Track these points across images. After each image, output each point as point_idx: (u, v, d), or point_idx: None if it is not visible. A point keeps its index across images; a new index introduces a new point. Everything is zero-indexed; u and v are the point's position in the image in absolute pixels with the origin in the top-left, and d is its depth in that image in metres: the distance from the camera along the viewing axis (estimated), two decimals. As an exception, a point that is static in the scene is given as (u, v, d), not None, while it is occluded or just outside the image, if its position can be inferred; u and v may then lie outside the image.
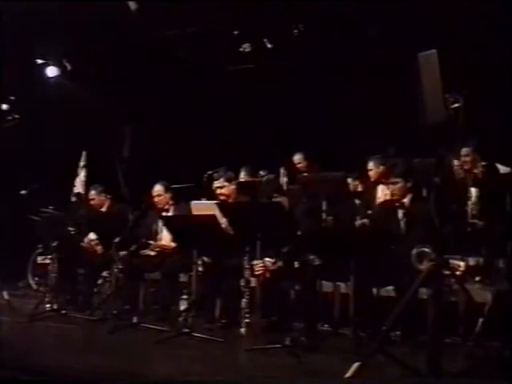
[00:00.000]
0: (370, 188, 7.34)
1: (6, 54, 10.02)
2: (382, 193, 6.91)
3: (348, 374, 4.53)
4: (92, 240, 7.78)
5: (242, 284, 6.29)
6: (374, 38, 8.32)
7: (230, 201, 7.01)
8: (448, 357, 4.68)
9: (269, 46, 8.96)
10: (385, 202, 6.54)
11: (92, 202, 8.18)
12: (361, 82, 8.70)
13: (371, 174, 7.39)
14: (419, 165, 6.35)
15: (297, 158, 8.38)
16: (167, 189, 7.62)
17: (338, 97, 8.86)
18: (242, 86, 9.32)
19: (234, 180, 7.20)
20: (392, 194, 6.22)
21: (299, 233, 5.86)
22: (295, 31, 8.69)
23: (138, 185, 8.03)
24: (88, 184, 8.63)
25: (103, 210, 8.20)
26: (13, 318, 7.12)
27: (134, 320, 6.55)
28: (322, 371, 5.13)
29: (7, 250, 9.45)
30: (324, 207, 6.52)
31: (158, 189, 7.60)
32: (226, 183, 7.06)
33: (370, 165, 7.41)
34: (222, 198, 7.00)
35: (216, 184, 7.09)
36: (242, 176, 7.98)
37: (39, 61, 10.36)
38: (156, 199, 7.55)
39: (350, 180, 7.27)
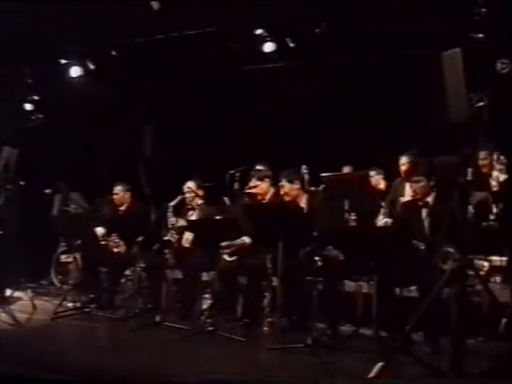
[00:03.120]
0: (396, 186, 7.30)
1: (29, 55, 10.13)
2: (408, 191, 6.86)
3: (371, 374, 4.51)
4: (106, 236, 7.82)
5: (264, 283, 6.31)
6: (398, 37, 8.26)
7: (265, 200, 7.01)
8: (471, 357, 4.64)
9: (291, 45, 8.93)
10: (409, 201, 6.49)
11: (115, 198, 8.19)
12: (384, 80, 8.64)
13: (404, 168, 7.31)
14: (442, 163, 6.28)
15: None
16: (199, 186, 7.63)
17: (361, 96, 8.81)
18: (264, 86, 9.30)
19: (267, 178, 7.16)
20: (415, 193, 6.18)
21: (322, 232, 5.84)
22: (317, 30, 8.65)
23: (160, 184, 8.03)
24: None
25: (123, 208, 8.20)
26: (36, 315, 7.18)
27: (157, 319, 6.59)
28: (343, 371, 5.12)
29: (31, 248, 9.52)
30: (346, 206, 6.50)
31: (190, 185, 7.61)
32: (258, 182, 7.04)
33: (403, 160, 7.32)
34: (254, 197, 7.00)
35: (250, 184, 7.08)
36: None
37: (63, 61, 10.41)
38: (187, 195, 7.56)
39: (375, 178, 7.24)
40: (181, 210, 7.56)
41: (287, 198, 6.61)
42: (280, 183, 6.73)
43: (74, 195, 9.94)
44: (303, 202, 6.58)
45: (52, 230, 8.55)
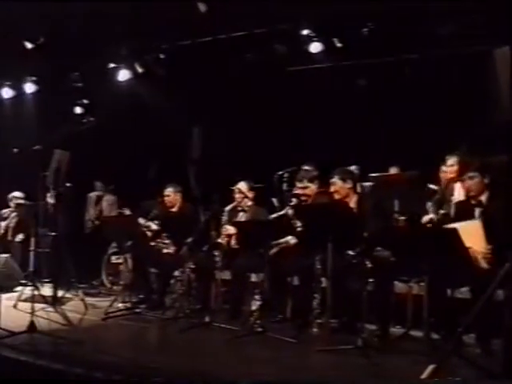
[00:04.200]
0: (446, 187, 7.19)
1: (78, 59, 10.28)
2: (459, 192, 6.75)
3: (423, 376, 4.47)
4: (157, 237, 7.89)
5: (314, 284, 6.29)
6: (445, 35, 8.17)
7: (310, 201, 6.99)
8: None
9: (338, 45, 8.88)
10: (462, 201, 6.37)
11: (166, 199, 8.25)
12: (431, 79, 8.55)
13: (452, 169, 7.20)
14: (496, 162, 6.17)
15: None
16: (250, 188, 7.66)
17: (408, 95, 8.73)
18: (311, 87, 9.27)
19: (316, 180, 7.13)
20: (468, 190, 6.06)
21: (371, 233, 5.80)
22: (365, 30, 8.60)
23: (209, 185, 8.07)
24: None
25: (174, 209, 8.26)
26: (87, 316, 7.27)
27: (206, 319, 6.62)
28: (393, 373, 5.09)
29: (82, 248, 9.66)
30: (396, 207, 6.44)
31: (240, 186, 7.64)
32: (308, 184, 7.03)
33: (451, 160, 7.22)
34: (303, 198, 6.98)
35: (299, 185, 7.06)
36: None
37: (111, 64, 10.55)
38: (237, 195, 7.60)
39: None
40: (231, 211, 7.58)
41: (337, 196, 6.56)
42: (331, 180, 6.66)
43: (111, 196, 10.07)
44: (353, 202, 6.53)
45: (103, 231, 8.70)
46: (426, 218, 6.36)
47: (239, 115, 9.63)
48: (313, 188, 7.03)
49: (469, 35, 8.00)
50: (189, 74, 9.91)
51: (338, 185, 6.59)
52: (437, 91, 8.43)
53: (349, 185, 6.58)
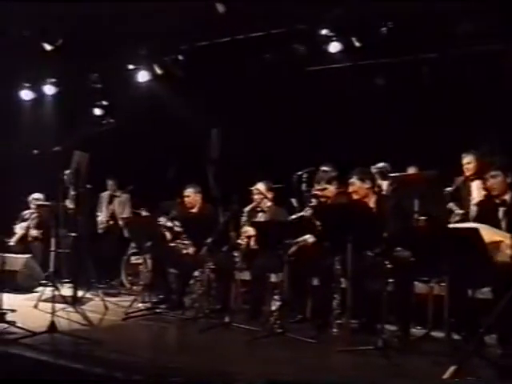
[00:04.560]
0: (465, 185, 7.15)
1: (97, 61, 10.34)
2: (478, 191, 6.70)
3: (445, 377, 4.45)
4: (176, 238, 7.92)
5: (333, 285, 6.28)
6: (464, 34, 8.13)
7: (329, 202, 6.98)
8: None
9: (357, 44, 8.86)
10: (484, 200, 6.31)
11: (186, 200, 8.26)
12: (449, 78, 8.50)
13: (469, 167, 7.15)
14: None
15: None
16: (269, 188, 7.65)
17: (427, 94, 8.68)
18: (330, 87, 9.25)
19: (334, 181, 7.11)
20: (491, 189, 6.00)
21: (391, 233, 5.77)
22: (383, 29, 8.56)
23: (228, 186, 8.08)
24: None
25: (195, 210, 8.27)
26: (107, 316, 7.30)
27: (226, 319, 6.62)
28: (414, 374, 5.05)
29: (102, 249, 9.71)
30: (416, 207, 6.40)
31: (258, 187, 7.64)
32: (326, 185, 7.00)
33: (468, 158, 7.17)
34: (322, 199, 6.97)
35: (317, 186, 7.04)
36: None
37: (130, 66, 10.59)
38: (255, 197, 7.60)
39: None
40: (250, 212, 7.58)
41: (356, 197, 6.54)
42: (350, 180, 6.64)
43: (124, 195, 10.09)
44: (372, 202, 6.51)
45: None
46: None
47: (258, 115, 9.63)
48: (331, 189, 7.00)
49: (487, 34, 7.96)
50: (207, 75, 9.93)
51: (356, 185, 6.57)
52: (455, 90, 8.39)
53: (367, 185, 6.55)
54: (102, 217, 10.28)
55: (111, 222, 10.08)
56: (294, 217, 7.06)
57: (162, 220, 8.06)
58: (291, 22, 8.95)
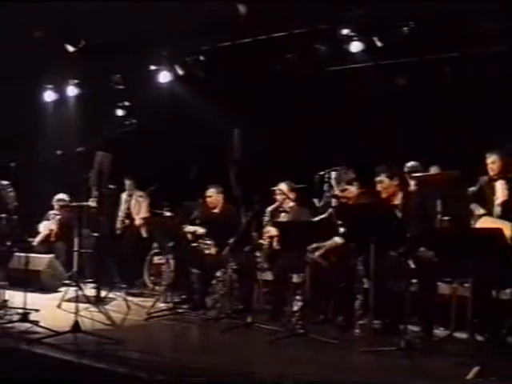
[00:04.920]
0: (488, 185, 7.08)
1: (119, 61, 10.40)
2: (502, 191, 6.63)
3: (468, 377, 4.44)
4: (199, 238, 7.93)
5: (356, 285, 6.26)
6: (487, 33, 8.07)
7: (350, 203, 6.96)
8: None
9: (379, 44, 8.82)
10: (507, 200, 6.26)
11: (208, 200, 8.27)
12: (473, 77, 8.44)
13: (493, 167, 7.08)
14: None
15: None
16: (291, 189, 7.64)
17: (450, 93, 8.63)
18: (352, 87, 9.22)
19: (355, 182, 7.08)
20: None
21: (415, 233, 5.74)
22: (405, 28, 8.52)
23: (250, 186, 8.09)
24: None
25: (216, 210, 8.28)
26: (130, 315, 7.34)
27: (248, 320, 6.63)
28: (437, 374, 5.03)
29: (124, 249, 9.76)
30: (439, 207, 6.36)
31: (281, 187, 7.63)
32: (346, 186, 6.97)
33: (492, 158, 7.10)
34: (344, 200, 6.95)
35: (337, 188, 7.02)
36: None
37: (152, 67, 10.63)
38: (278, 196, 7.59)
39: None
40: (272, 212, 7.58)
41: (385, 195, 6.49)
42: (378, 178, 6.59)
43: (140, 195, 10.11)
44: (398, 199, 6.45)
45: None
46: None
47: (279, 115, 9.62)
48: (352, 190, 6.97)
49: (509, 33, 7.89)
50: (229, 76, 9.94)
51: (385, 183, 6.52)
52: (477, 89, 8.32)
53: (396, 182, 6.50)
54: (119, 217, 10.24)
55: (126, 222, 10.07)
56: (317, 218, 7.05)
57: (188, 228, 8.06)
58: (313, 22, 8.93)
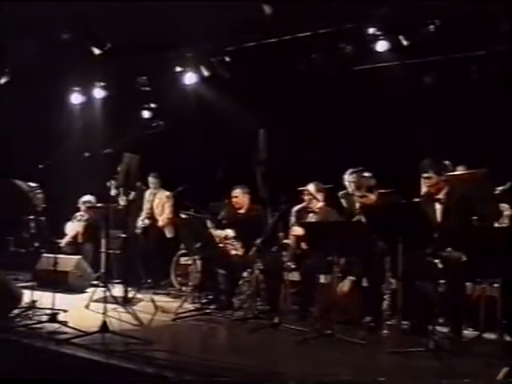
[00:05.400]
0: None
1: (145, 63, 10.46)
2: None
3: (498, 378, 4.40)
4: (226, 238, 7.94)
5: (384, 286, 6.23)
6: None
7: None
8: None
9: (405, 43, 8.78)
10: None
11: (234, 200, 8.28)
12: (499, 76, 8.37)
13: None
14: None
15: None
16: (319, 189, 7.63)
17: (476, 91, 8.56)
18: (378, 86, 9.18)
19: (375, 189, 7.02)
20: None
21: (442, 233, 5.70)
22: (431, 27, 8.47)
23: (276, 186, 8.08)
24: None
25: (243, 210, 8.28)
26: (157, 316, 7.37)
27: (275, 320, 6.63)
28: (466, 375, 4.97)
29: (152, 250, 9.81)
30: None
31: (309, 188, 7.62)
32: (366, 193, 6.89)
33: None
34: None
35: (357, 193, 6.97)
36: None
37: (178, 68, 10.68)
38: (305, 197, 7.58)
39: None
40: (298, 212, 7.57)
41: (432, 190, 6.41)
42: (425, 175, 6.48)
43: (163, 194, 10.12)
44: (442, 194, 6.39)
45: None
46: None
47: (305, 116, 9.62)
48: (371, 197, 6.88)
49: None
50: (254, 76, 9.95)
51: (434, 179, 6.41)
52: (504, 87, 8.25)
53: (443, 177, 6.41)
54: (141, 216, 10.24)
55: (147, 222, 10.09)
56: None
57: (217, 232, 8.07)
58: (338, 22, 8.92)
